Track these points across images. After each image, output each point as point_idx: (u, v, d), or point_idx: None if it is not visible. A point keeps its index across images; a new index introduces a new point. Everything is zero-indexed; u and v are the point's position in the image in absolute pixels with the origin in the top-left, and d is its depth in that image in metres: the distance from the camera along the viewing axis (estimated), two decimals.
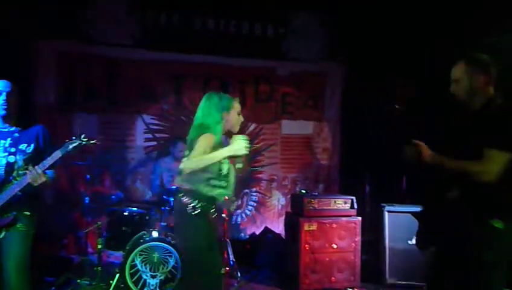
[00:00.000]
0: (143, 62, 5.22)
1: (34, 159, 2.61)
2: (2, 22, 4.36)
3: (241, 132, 5.46)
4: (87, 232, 4.14)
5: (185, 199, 2.67)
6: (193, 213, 2.64)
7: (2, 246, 2.59)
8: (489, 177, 2.06)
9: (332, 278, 4.18)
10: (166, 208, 4.07)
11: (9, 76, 4.24)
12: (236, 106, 2.90)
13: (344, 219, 4.28)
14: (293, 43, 5.71)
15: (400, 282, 4.20)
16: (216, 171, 2.71)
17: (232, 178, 2.87)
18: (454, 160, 2.20)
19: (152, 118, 5.27)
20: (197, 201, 2.66)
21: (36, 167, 2.50)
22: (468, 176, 2.13)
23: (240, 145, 2.59)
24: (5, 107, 2.64)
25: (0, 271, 2.57)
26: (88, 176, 4.23)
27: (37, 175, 2.49)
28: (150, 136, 5.26)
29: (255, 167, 5.66)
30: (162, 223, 4.04)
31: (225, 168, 2.76)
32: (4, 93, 2.64)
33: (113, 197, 4.41)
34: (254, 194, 5.65)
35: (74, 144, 2.54)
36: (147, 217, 4.15)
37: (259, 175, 5.68)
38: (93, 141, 2.61)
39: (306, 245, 4.14)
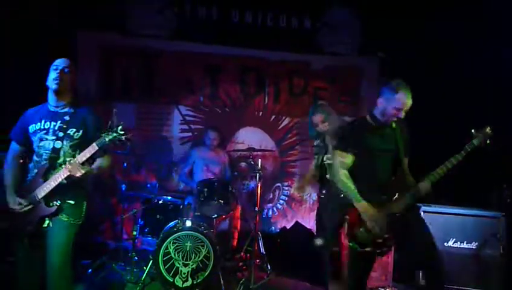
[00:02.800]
0: (180, 54, 5.29)
1: (81, 145, 2.54)
2: (43, 14, 4.51)
3: (275, 125, 5.51)
4: (123, 219, 4.26)
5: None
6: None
7: (47, 236, 2.53)
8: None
9: None
10: (200, 198, 4.12)
11: (50, 67, 4.47)
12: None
13: None
14: (329, 37, 5.63)
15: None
16: None
17: None
18: None
19: (188, 110, 5.34)
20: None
21: (75, 158, 2.46)
22: None
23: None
24: (58, 81, 2.56)
25: (43, 262, 2.53)
26: (125, 164, 4.35)
27: (75, 167, 2.43)
28: (185, 127, 5.34)
29: (288, 161, 5.65)
30: (196, 213, 4.10)
31: None
32: (60, 69, 2.58)
33: (148, 185, 4.51)
34: (286, 188, 5.64)
35: (110, 137, 2.45)
36: (181, 206, 4.23)
37: (292, 169, 5.66)
38: (129, 135, 2.51)
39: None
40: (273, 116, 5.59)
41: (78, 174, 2.44)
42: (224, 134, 5.23)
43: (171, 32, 5.24)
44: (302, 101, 5.65)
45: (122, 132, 2.46)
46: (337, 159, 2.66)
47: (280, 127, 5.61)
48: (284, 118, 5.61)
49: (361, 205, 2.54)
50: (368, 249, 2.55)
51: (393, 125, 2.72)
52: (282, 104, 5.59)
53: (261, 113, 5.55)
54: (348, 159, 2.63)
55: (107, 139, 2.44)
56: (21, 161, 2.68)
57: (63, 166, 2.48)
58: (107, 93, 5.17)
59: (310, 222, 5.36)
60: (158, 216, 4.24)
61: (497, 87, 4.27)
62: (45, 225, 2.51)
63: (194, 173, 4.86)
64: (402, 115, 2.63)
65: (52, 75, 2.57)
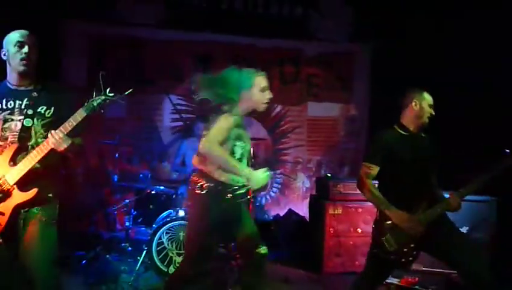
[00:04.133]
0: (170, 42, 5.25)
1: (54, 124, 2.19)
2: (31, 2, 4.42)
3: (267, 113, 5.46)
4: (116, 210, 4.25)
5: (195, 178, 2.54)
6: (201, 192, 2.48)
7: (22, 236, 2.18)
8: None
9: (356, 262, 4.17)
10: None
11: (39, 56, 4.40)
12: (259, 81, 2.65)
13: (370, 203, 4.21)
14: (321, 24, 5.60)
15: (424, 269, 4.15)
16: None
17: (245, 162, 2.63)
18: None
19: (179, 98, 5.30)
20: (204, 181, 2.50)
21: (57, 130, 2.12)
22: None
23: (257, 182, 2.44)
24: (26, 62, 2.20)
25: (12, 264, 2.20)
26: (117, 155, 4.32)
27: (59, 138, 2.10)
28: (177, 116, 5.31)
29: (280, 149, 5.65)
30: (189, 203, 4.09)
31: (238, 152, 2.56)
32: (26, 46, 2.20)
33: (140, 175, 4.50)
34: (279, 176, 5.66)
35: (99, 101, 2.17)
36: (174, 196, 4.22)
37: (285, 157, 5.67)
38: (119, 96, 2.24)
39: (330, 229, 4.14)
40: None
41: (63, 146, 2.11)
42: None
43: (161, 21, 5.18)
44: (295, 89, 5.64)
45: (112, 94, 2.20)
46: (363, 170, 2.66)
47: (272, 115, 5.60)
48: (276, 105, 5.59)
49: (393, 212, 2.53)
50: (392, 257, 2.56)
51: (423, 134, 2.76)
52: (274, 91, 5.51)
53: None
54: (374, 170, 2.64)
55: (95, 104, 2.16)
56: None
57: (35, 146, 2.17)
58: (97, 82, 5.09)
59: (303, 209, 5.39)
60: (151, 206, 4.23)
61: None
62: (21, 218, 2.17)
63: (186, 164, 4.85)
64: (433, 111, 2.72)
65: (17, 55, 2.20)
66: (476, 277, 2.44)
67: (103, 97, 2.18)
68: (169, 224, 3.71)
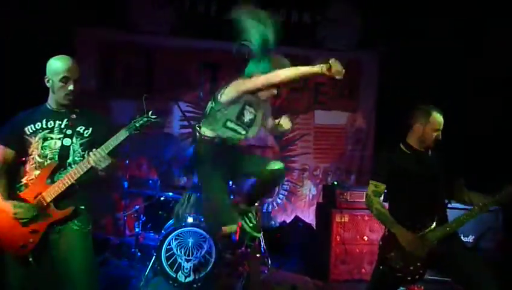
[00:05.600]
0: (180, 50, 5.31)
1: (91, 144, 2.28)
2: (42, 9, 4.49)
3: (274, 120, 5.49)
4: (126, 216, 4.31)
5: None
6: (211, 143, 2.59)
7: (57, 250, 2.21)
8: None
9: (363, 269, 4.20)
10: (201, 194, 4.17)
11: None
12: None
13: None
14: (329, 31, 5.64)
15: (427, 277, 4.15)
16: (234, 114, 2.59)
17: (254, 130, 2.73)
18: None
19: (188, 106, 5.37)
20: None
21: (99, 148, 2.18)
22: None
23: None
24: (70, 97, 2.28)
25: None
26: (127, 161, 4.39)
27: (100, 157, 2.15)
28: (185, 123, 5.37)
29: (287, 156, 5.69)
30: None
31: (248, 116, 2.64)
32: (71, 83, 2.25)
33: (150, 182, 4.55)
34: (285, 183, 5.69)
35: (141, 122, 2.24)
36: None
37: (292, 164, 5.71)
38: (158, 119, 2.34)
39: (337, 236, 4.17)
40: (273, 112, 5.61)
41: (102, 166, 2.16)
42: None
43: (171, 28, 5.25)
44: (302, 97, 5.69)
45: (154, 116, 2.28)
46: (370, 188, 2.69)
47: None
48: (284, 113, 5.62)
49: (399, 230, 2.55)
50: (398, 274, 2.57)
51: (430, 153, 2.75)
52: (283, 99, 5.61)
53: None
54: (381, 188, 2.67)
55: (137, 125, 2.23)
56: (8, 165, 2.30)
57: (74, 166, 2.22)
58: (106, 90, 5.19)
59: (309, 217, 5.43)
60: (160, 212, 4.29)
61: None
62: (57, 240, 2.21)
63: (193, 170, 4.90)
64: (440, 136, 2.68)
65: (62, 90, 2.26)
66: None
67: (145, 119, 2.26)
68: (178, 230, 3.76)
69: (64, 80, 2.25)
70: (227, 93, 2.59)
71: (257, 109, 2.71)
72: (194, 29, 5.27)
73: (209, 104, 2.73)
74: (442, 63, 4.71)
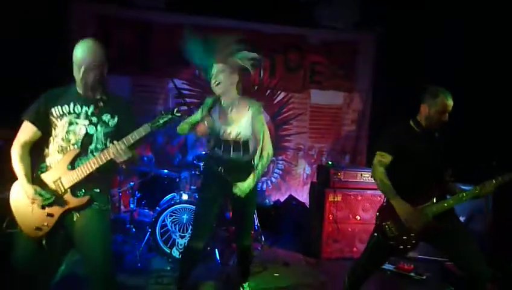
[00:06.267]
0: (176, 26, 5.21)
1: (114, 134, 2.27)
2: None
3: (270, 99, 5.49)
4: (121, 193, 4.32)
5: None
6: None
7: (74, 232, 2.23)
8: None
9: (354, 248, 4.28)
10: (196, 172, 4.20)
11: (45, 38, 4.41)
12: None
13: (369, 191, 4.31)
14: (326, 11, 5.57)
15: (419, 256, 4.26)
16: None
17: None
18: None
19: (183, 83, 5.33)
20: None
21: (120, 141, 2.17)
22: None
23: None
24: (87, 86, 2.25)
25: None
26: None
27: (121, 150, 2.14)
28: (180, 100, 5.34)
29: (282, 135, 5.71)
30: (192, 187, 4.18)
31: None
32: (84, 67, 2.21)
33: (144, 158, 4.55)
34: (280, 162, 5.73)
35: (165, 119, 2.23)
36: (177, 180, 4.30)
37: (286, 144, 5.73)
38: (183, 115, 2.40)
39: (330, 215, 4.23)
40: (269, 91, 5.61)
41: (122, 158, 2.16)
42: None
43: (167, 4, 5.16)
44: (298, 76, 5.66)
45: (179, 114, 2.26)
46: (377, 158, 2.74)
47: (275, 102, 5.64)
48: (279, 92, 5.63)
49: (398, 202, 2.62)
50: (391, 242, 2.67)
51: (436, 134, 2.79)
52: (278, 78, 5.59)
53: (256, 87, 5.56)
54: (387, 158, 2.71)
55: (161, 122, 2.22)
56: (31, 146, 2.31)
57: (95, 153, 2.23)
58: None
59: (303, 195, 5.49)
60: (155, 189, 4.33)
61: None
62: (73, 219, 2.22)
63: (188, 148, 4.92)
64: (446, 117, 2.71)
65: (76, 74, 2.24)
66: (474, 274, 2.55)
67: (170, 116, 2.24)
68: (173, 207, 3.80)
69: (80, 65, 2.22)
70: None
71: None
72: (191, 6, 5.17)
73: None
74: (440, 44, 4.70)
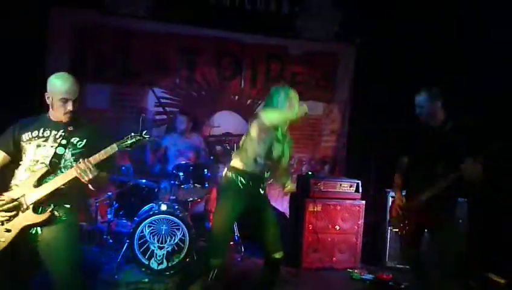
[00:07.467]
0: (157, 34, 5.21)
1: (83, 155, 2.27)
2: None
3: (251, 109, 5.51)
4: (98, 202, 4.24)
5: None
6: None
7: (41, 247, 2.23)
8: None
9: (334, 258, 4.30)
10: (175, 182, 4.16)
11: (22, 44, 4.33)
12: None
13: (348, 201, 4.35)
14: (307, 22, 5.65)
15: (398, 266, 4.30)
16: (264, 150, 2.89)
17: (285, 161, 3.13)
18: None
19: (163, 92, 5.29)
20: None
21: (86, 159, 2.18)
22: None
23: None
24: (69, 115, 2.32)
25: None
26: None
27: (87, 168, 2.16)
28: (160, 109, 5.30)
29: None
30: (171, 197, 4.13)
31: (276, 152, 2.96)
32: (70, 103, 2.29)
33: (123, 168, 4.48)
34: None
35: (133, 140, 2.26)
36: (156, 190, 4.25)
37: None
38: (151, 138, 2.42)
39: (309, 225, 4.25)
40: (250, 100, 5.62)
41: (87, 177, 2.17)
42: (200, 117, 5.23)
43: (148, 12, 5.12)
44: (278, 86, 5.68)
45: (148, 136, 2.31)
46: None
47: (256, 111, 5.63)
48: (260, 102, 5.63)
49: (396, 193, 3.20)
50: (395, 229, 3.21)
51: (446, 126, 3.00)
52: (259, 88, 5.61)
53: (237, 97, 5.57)
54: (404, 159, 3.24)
55: (129, 142, 2.26)
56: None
57: (64, 170, 2.25)
58: (80, 73, 5.00)
59: (283, 205, 5.48)
60: (133, 199, 4.25)
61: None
62: (37, 234, 2.22)
63: (167, 158, 4.86)
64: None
65: (61, 109, 2.30)
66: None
67: (138, 137, 2.28)
68: (152, 217, 3.74)
69: (63, 100, 2.29)
70: (253, 131, 2.84)
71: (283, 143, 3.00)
72: (173, 14, 5.16)
73: (243, 138, 2.97)
74: (419, 56, 4.80)
